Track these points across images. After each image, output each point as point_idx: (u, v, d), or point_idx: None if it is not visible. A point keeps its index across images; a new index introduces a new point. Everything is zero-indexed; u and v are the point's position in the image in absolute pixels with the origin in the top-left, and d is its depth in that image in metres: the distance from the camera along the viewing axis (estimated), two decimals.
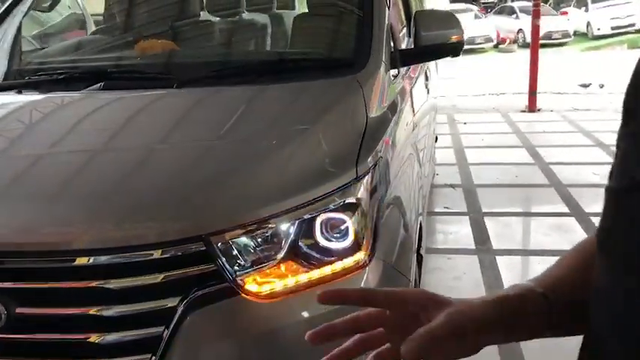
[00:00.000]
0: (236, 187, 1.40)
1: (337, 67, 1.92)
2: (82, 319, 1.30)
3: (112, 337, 1.29)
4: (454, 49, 2.16)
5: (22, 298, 1.32)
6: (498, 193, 4.63)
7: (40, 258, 1.34)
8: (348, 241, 1.43)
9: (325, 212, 1.42)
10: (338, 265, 1.40)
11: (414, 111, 2.36)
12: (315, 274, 1.39)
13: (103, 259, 1.29)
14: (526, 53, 11.27)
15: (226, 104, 1.80)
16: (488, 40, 18.57)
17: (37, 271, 1.33)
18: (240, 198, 1.38)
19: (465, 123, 7.23)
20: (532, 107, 7.78)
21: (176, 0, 2.93)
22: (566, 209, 4.17)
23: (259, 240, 1.37)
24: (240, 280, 1.33)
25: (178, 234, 1.30)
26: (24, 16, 2.55)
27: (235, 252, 1.34)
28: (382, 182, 1.59)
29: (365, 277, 1.43)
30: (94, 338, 1.29)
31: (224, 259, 1.32)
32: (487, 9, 24.78)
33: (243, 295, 1.32)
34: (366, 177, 1.50)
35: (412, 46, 2.20)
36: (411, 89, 2.36)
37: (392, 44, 2.08)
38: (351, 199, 1.45)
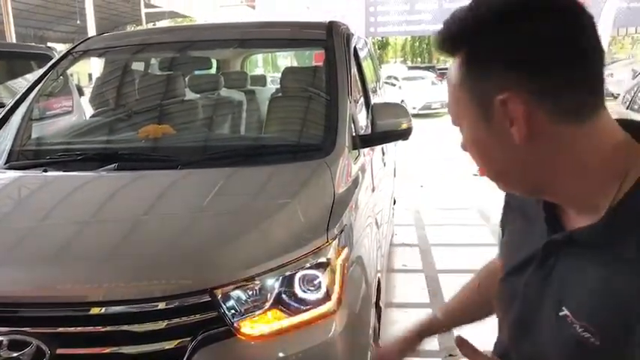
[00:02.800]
0: (233, 250, 1.79)
1: (308, 151, 2.37)
2: (113, 356, 1.64)
3: None
4: (404, 134, 2.63)
5: (60, 341, 1.66)
6: (452, 252, 5.08)
7: (74, 308, 1.69)
8: (321, 293, 1.82)
9: (303, 270, 1.81)
10: (313, 313, 1.79)
11: (372, 182, 2.80)
12: (296, 319, 1.77)
13: (139, 307, 1.65)
14: None
15: (220, 182, 2.20)
16: (444, 105, 19.49)
17: (74, 319, 1.68)
18: (237, 259, 1.77)
19: (422, 186, 7.76)
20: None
21: (166, 83, 3.37)
22: None
23: (251, 292, 1.75)
24: (237, 324, 1.70)
25: (189, 288, 1.68)
26: (34, 98, 2.93)
27: (233, 302, 1.71)
28: (347, 244, 1.99)
29: (334, 323, 1.82)
30: None
31: (225, 308, 1.69)
32: (443, 75, 26.08)
33: (239, 336, 1.69)
34: (335, 241, 1.91)
35: (369, 132, 2.66)
36: (370, 165, 2.82)
37: (353, 130, 2.54)
38: (323, 259, 1.85)
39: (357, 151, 2.56)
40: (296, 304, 1.79)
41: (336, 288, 1.86)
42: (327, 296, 1.83)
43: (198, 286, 1.68)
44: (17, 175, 2.41)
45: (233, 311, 1.71)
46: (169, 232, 1.90)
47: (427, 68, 27.32)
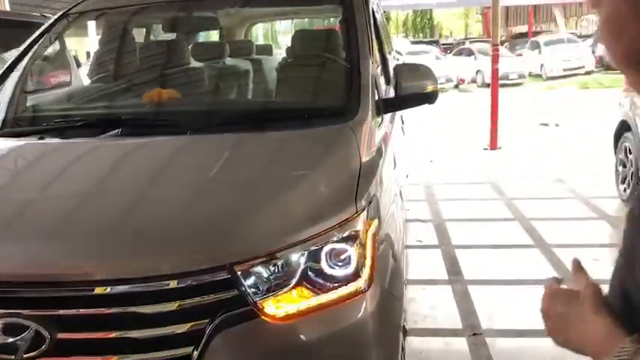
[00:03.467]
0: (253, 222, 1.60)
1: (331, 115, 2.16)
2: (119, 341, 1.46)
3: (146, 357, 1.46)
4: (430, 97, 2.42)
5: (61, 325, 1.48)
6: (467, 226, 4.90)
7: (76, 288, 1.50)
8: (350, 269, 1.63)
9: (330, 244, 1.62)
10: (342, 291, 1.60)
11: (394, 153, 2.61)
12: (323, 298, 1.58)
13: (148, 286, 1.46)
14: (485, 92, 11.80)
15: (236, 148, 2.00)
16: (449, 80, 19.27)
17: (77, 299, 1.49)
18: (258, 232, 1.58)
19: (431, 161, 7.57)
20: (493, 145, 8.19)
21: (168, 49, 3.14)
22: (530, 241, 4.46)
23: (274, 269, 1.56)
24: (260, 303, 1.52)
25: (206, 263, 1.49)
26: (28, 64, 2.71)
27: (254, 279, 1.52)
28: (375, 217, 1.80)
29: (365, 302, 1.63)
30: (129, 359, 1.46)
31: (246, 286, 1.51)
32: (447, 50, 25.75)
33: (262, 317, 1.51)
34: (363, 212, 1.72)
35: (392, 95, 2.45)
36: (391, 133, 2.61)
37: (376, 93, 2.33)
38: (352, 232, 1.66)
39: (380, 117, 2.36)
40: (323, 282, 1.61)
41: (367, 263, 1.67)
42: (357, 273, 1.64)
43: (216, 261, 1.50)
44: (11, 143, 2.21)
45: (255, 290, 1.52)
46: (181, 203, 1.71)
47: (430, 43, 26.97)
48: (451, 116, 11.96)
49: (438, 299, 3.53)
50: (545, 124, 10.50)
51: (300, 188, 1.75)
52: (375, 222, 1.77)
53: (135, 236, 1.58)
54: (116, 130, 2.09)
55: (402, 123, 3.32)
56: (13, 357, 1.45)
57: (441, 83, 18.59)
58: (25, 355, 1.44)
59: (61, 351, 1.47)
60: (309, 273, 1.59)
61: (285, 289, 1.56)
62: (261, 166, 1.90)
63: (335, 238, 1.63)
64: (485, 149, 8.22)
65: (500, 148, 8.20)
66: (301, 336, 1.55)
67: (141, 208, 1.70)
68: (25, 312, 1.46)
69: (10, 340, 1.44)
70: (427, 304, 3.46)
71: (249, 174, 1.83)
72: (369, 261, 1.67)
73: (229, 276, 1.49)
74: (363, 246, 1.68)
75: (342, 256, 1.64)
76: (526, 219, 4.97)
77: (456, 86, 19.73)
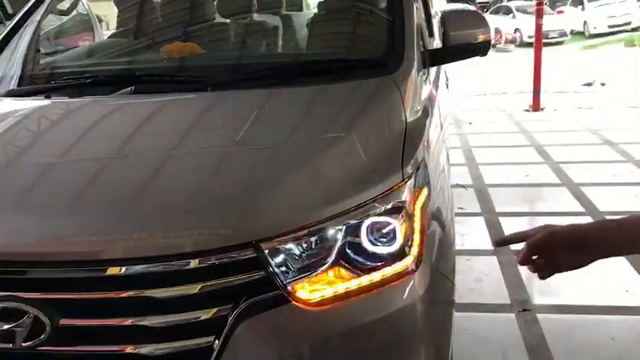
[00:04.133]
0: (283, 192, 1.37)
1: (371, 67, 1.89)
2: (131, 329, 1.27)
3: (161, 348, 1.26)
4: (482, 48, 2.14)
5: (65, 310, 1.29)
6: (510, 192, 4.61)
7: (82, 267, 1.30)
8: (396, 245, 1.40)
9: (372, 216, 1.39)
10: (387, 271, 1.37)
11: (440, 112, 2.33)
12: (365, 280, 1.36)
13: (153, 267, 1.25)
14: (523, 52, 11.29)
15: (265, 107, 1.76)
16: None
17: (82, 281, 1.29)
18: (288, 204, 1.35)
19: (470, 123, 7.21)
20: (536, 106, 7.77)
21: (192, 4, 2.90)
22: (580, 208, 4.15)
23: (307, 246, 1.34)
24: (291, 287, 1.30)
25: (229, 240, 1.27)
26: (41, 19, 2.51)
27: (284, 258, 1.30)
28: (424, 185, 1.56)
29: (414, 284, 1.40)
30: (142, 349, 1.26)
31: (274, 266, 1.29)
32: (483, 8, 24.81)
33: (294, 302, 1.29)
34: (411, 180, 1.48)
35: (439, 46, 2.17)
36: (437, 90, 2.34)
37: (421, 44, 2.05)
38: (398, 203, 1.42)
39: (425, 70, 2.08)
40: (364, 261, 1.38)
41: (415, 239, 1.43)
42: (403, 250, 1.41)
43: (240, 238, 1.27)
44: (14, 103, 2.00)
45: (285, 270, 1.30)
46: (201, 171, 1.48)
47: (467, 1, 26.04)
48: (489, 77, 11.47)
49: (483, 271, 3.28)
50: (590, 84, 9.98)
51: (337, 152, 1.51)
52: (425, 191, 1.53)
53: (150, 209, 1.37)
54: (130, 88, 1.86)
55: (447, 80, 3.01)
56: (10, 345, 1.27)
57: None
58: (24, 344, 1.26)
59: (66, 340, 1.28)
60: (348, 251, 1.37)
61: (320, 270, 1.34)
62: (291, 126, 1.65)
63: (378, 210, 1.40)
64: (526, 111, 7.81)
65: (542, 109, 7.77)
66: (339, 324, 1.33)
67: (156, 177, 1.48)
68: (23, 295, 1.28)
69: (5, 327, 1.26)
70: (471, 277, 3.22)
71: (278, 136, 1.59)
72: (417, 236, 1.44)
73: (255, 255, 1.27)
74: (410, 219, 1.44)
75: (386, 231, 1.40)
76: (574, 184, 4.64)
77: (494, 46, 19.00)
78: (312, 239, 1.34)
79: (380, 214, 1.40)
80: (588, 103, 8.10)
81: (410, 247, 1.41)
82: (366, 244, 1.38)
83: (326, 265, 1.34)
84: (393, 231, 1.40)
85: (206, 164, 1.51)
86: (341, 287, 1.34)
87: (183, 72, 2.06)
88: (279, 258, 1.29)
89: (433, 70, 2.26)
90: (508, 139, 6.36)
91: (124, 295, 1.28)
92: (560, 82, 9.77)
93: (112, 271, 1.27)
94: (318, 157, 1.48)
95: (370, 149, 1.54)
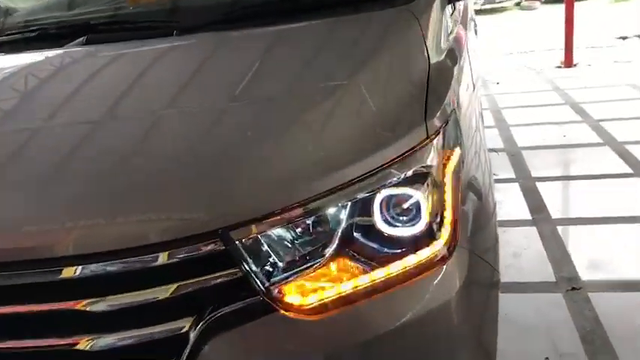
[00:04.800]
0: (264, 162, 1.00)
1: None
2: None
3: None
4: None
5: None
6: (547, 155, 4.18)
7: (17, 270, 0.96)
8: (421, 225, 1.03)
9: (387, 188, 1.02)
10: (410, 261, 1.01)
11: (469, 58, 1.93)
12: (379, 274, 1.00)
13: (88, 269, 0.91)
14: (550, 10, 10.72)
15: (243, 52, 1.38)
16: None
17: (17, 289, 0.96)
18: (271, 177, 0.99)
19: (497, 83, 6.72)
20: (569, 62, 7.23)
21: None
22: (627, 169, 3.71)
23: (299, 232, 0.98)
24: (276, 289, 0.95)
25: (186, 229, 0.92)
26: None
27: (266, 251, 0.95)
28: (456, 144, 1.18)
29: (446, 275, 1.03)
30: None
31: (251, 262, 0.93)
32: None
33: (282, 310, 0.94)
34: (438, 138, 1.10)
35: None
36: (465, 31, 1.93)
37: None
38: (421, 168, 1.05)
39: (451, 5, 1.68)
40: (379, 249, 1.02)
41: (447, 216, 1.06)
42: (431, 231, 1.04)
43: (202, 225, 0.92)
44: None
45: (267, 268, 0.95)
46: (158, 139, 1.12)
47: None
48: (514, 36, 10.86)
49: (522, 245, 2.89)
50: (625, 37, 9.33)
51: (338, 104, 1.13)
52: (456, 152, 1.15)
53: (107, 190, 1.01)
54: (82, 38, 1.51)
55: (475, 25, 2.59)
56: None
57: (500, 2, 17.40)
58: None
59: None
60: (356, 235, 1.01)
61: (318, 264, 0.98)
62: (280, 75, 1.26)
63: (394, 179, 1.03)
64: (558, 67, 7.27)
65: (576, 65, 7.23)
66: (345, 338, 0.97)
67: (108, 146, 1.12)
68: None
69: None
70: (509, 252, 2.83)
71: (262, 89, 1.21)
72: (449, 212, 1.07)
73: (223, 247, 0.92)
74: (439, 190, 1.07)
75: (407, 207, 1.04)
76: (618, 142, 4.19)
77: (518, 4, 18.17)
78: (305, 222, 0.98)
79: (398, 185, 1.03)
80: (625, 57, 7.52)
81: (439, 227, 1.04)
82: (381, 225, 1.02)
83: (325, 257, 0.98)
84: (417, 206, 1.04)
85: (164, 130, 1.14)
86: (347, 286, 0.98)
87: (143, 17, 1.66)
88: (259, 250, 0.94)
89: (460, 5, 1.85)
90: (540, 97, 5.87)
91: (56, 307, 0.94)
92: (592, 37, 9.15)
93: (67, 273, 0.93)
94: (311, 111, 1.11)
95: (382, 98, 1.16)
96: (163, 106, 1.21)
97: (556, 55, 7.58)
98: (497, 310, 1.30)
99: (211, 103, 1.20)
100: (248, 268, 0.92)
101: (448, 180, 1.09)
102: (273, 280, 0.94)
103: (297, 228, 0.97)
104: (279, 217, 0.94)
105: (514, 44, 9.70)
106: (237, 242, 0.92)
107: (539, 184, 3.61)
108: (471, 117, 1.51)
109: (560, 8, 7.48)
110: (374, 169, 1.00)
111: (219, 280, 0.92)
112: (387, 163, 1.02)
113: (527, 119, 5.09)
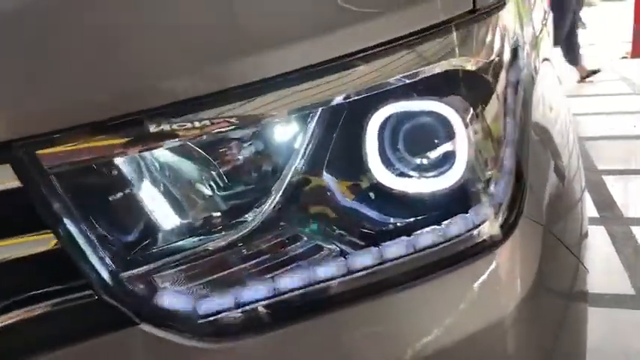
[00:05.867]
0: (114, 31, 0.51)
1: None
2: None
3: None
4: None
5: None
6: (615, 146, 3.58)
7: None
8: (453, 176, 0.53)
9: (389, 100, 0.52)
10: (430, 242, 0.51)
11: None
12: (366, 261, 0.50)
13: None
14: (611, 6, 10.19)
15: None
16: None
17: None
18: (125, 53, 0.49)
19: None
20: (636, 52, 6.54)
21: None
22: None
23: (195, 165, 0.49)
24: (138, 280, 0.46)
25: None
26: None
27: (117, 199, 0.46)
28: (523, 68, 0.65)
29: (497, 268, 0.53)
30: None
31: (79, 219, 0.45)
32: None
33: (146, 324, 0.45)
34: (493, 17, 0.59)
35: None
36: None
37: None
38: (458, 64, 0.54)
39: None
40: (371, 215, 0.53)
41: (506, 164, 0.55)
42: (472, 190, 0.53)
43: None
44: None
45: (118, 234, 0.46)
46: None
47: None
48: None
49: (590, 248, 2.32)
50: None
51: None
52: (526, 77, 0.64)
53: None
54: None
55: None
56: None
57: None
58: None
59: None
60: (327, 185, 0.51)
61: (238, 235, 0.49)
62: None
63: (405, 81, 0.52)
64: (624, 58, 6.60)
65: None
66: None
67: None
68: None
69: None
70: None
71: None
72: (510, 157, 0.56)
73: (20, 183, 0.44)
74: (489, 112, 0.56)
75: (426, 139, 0.53)
76: None
77: None
78: (231, 145, 0.49)
79: (411, 92, 0.52)
80: None
81: (487, 184, 0.54)
82: (378, 172, 0.52)
83: (254, 223, 0.49)
84: (446, 139, 0.53)
85: None
86: (298, 284, 0.48)
87: None
88: (96, 197, 0.45)
89: None
90: (606, 87, 5.25)
91: None
92: None
93: None
94: None
95: None
96: None
97: (619, 47, 6.96)
98: (585, 333, 0.78)
99: None
100: (67, 233, 0.44)
101: (510, 96, 0.58)
102: (129, 260, 0.45)
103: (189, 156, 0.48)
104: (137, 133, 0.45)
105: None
106: (48, 171, 0.43)
107: (605, 177, 3.04)
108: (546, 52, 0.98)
109: (619, 5, 6.91)
110: (369, 49, 0.50)
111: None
112: (388, 43, 0.51)
113: (593, 108, 4.53)
